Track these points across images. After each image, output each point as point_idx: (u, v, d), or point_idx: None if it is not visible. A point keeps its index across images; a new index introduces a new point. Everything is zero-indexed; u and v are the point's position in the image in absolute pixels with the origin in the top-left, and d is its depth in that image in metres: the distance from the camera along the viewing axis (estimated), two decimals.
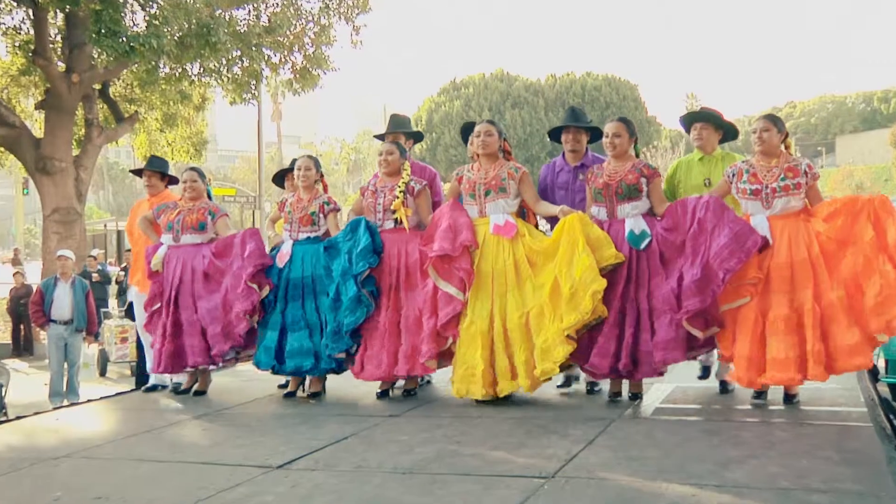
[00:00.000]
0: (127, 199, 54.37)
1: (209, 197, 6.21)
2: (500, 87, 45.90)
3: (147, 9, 13.34)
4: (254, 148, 30.79)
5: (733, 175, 4.83)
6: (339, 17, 15.84)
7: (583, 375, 5.39)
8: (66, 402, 8.62)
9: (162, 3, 13.00)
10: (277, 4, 15.28)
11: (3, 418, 5.60)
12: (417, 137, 6.48)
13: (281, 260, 5.66)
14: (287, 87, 16.75)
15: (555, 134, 5.68)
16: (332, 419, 4.95)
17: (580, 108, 5.76)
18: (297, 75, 16.06)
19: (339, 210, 5.78)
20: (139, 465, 4.11)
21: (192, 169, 6.20)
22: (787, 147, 4.86)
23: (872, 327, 4.38)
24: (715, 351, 5.15)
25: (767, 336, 4.54)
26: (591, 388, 5.37)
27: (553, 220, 5.27)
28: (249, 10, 15.14)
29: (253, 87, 16.20)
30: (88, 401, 6.52)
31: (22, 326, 14.80)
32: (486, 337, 5.00)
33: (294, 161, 6.36)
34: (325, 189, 5.92)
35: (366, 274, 5.25)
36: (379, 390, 5.47)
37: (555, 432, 4.32)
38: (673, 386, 5.37)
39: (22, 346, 14.81)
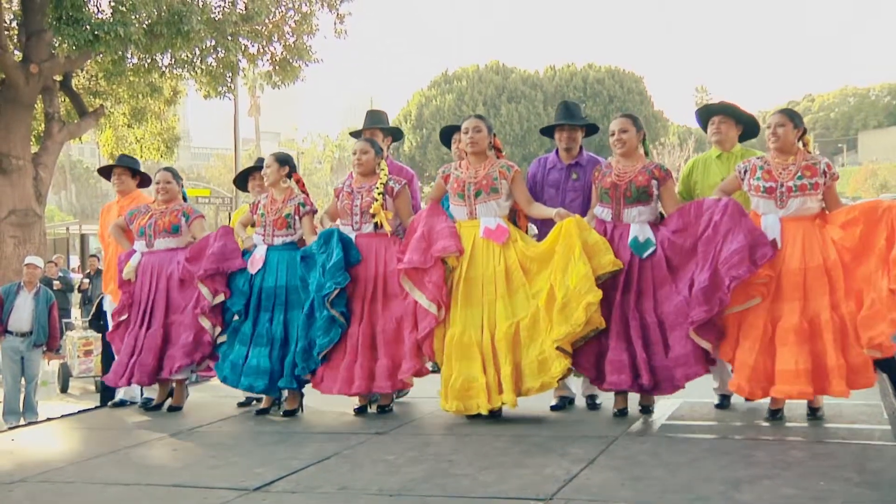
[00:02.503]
0: (91, 200, 54.21)
1: (184, 199, 6.22)
2: (496, 80, 46.00)
3: None
4: (230, 145, 30.83)
5: (745, 171, 4.86)
6: (322, 5, 15.88)
7: (580, 388, 5.42)
8: (22, 421, 8.59)
9: None
10: None
11: None
12: (396, 134, 6.47)
13: (253, 266, 5.63)
14: (266, 79, 16.78)
15: (548, 130, 5.70)
16: (312, 437, 4.95)
17: (574, 103, 5.79)
18: (277, 67, 16.08)
19: (315, 212, 5.76)
20: (104, 489, 4.10)
21: (167, 169, 6.22)
22: (805, 144, 4.88)
23: (861, 341, 4.44)
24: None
25: (777, 346, 4.58)
26: (592, 403, 5.37)
27: (544, 224, 5.28)
28: None
29: (229, 80, 16.20)
30: (48, 419, 6.50)
31: None
32: (482, 346, 5.00)
33: (259, 160, 6.39)
34: (302, 186, 5.88)
35: (335, 294, 5.22)
36: (357, 406, 5.48)
37: (553, 451, 4.33)
38: (681, 401, 5.39)
39: None
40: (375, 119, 6.24)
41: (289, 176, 5.79)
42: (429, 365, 5.35)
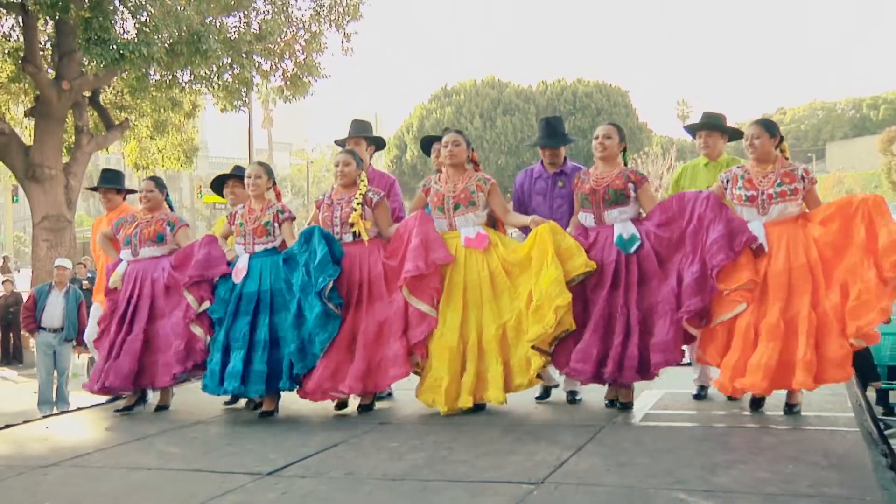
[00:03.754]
0: None
1: (170, 207, 5.96)
2: (492, 94, 45.97)
3: (137, 16, 13.34)
4: (244, 155, 30.80)
5: (727, 181, 4.77)
6: (330, 25, 15.86)
7: (562, 384, 5.35)
8: (55, 411, 8.60)
9: (152, 11, 12.98)
10: (268, 12, 15.29)
11: None
12: (379, 143, 6.23)
13: (238, 275, 5.32)
14: (278, 94, 16.75)
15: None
16: (321, 426, 4.96)
17: (557, 118, 5.73)
18: (288, 82, 16.07)
19: (294, 218, 5.49)
20: (129, 473, 4.11)
21: (150, 179, 5.91)
22: (783, 151, 4.77)
23: (847, 330, 4.32)
24: (711, 370, 5.05)
25: (759, 343, 4.46)
26: (572, 398, 5.26)
27: (525, 231, 5.18)
28: (240, 18, 15.16)
29: (244, 95, 16.22)
30: (78, 409, 6.50)
31: (11, 335, 14.74)
32: (455, 351, 4.89)
33: (235, 168, 6.14)
34: (279, 197, 5.64)
35: (329, 287, 4.96)
36: (361, 403, 5.26)
37: (544, 439, 4.34)
38: (663, 392, 5.39)
39: (11, 355, 14.75)
40: (360, 128, 6.04)
41: (270, 187, 5.52)
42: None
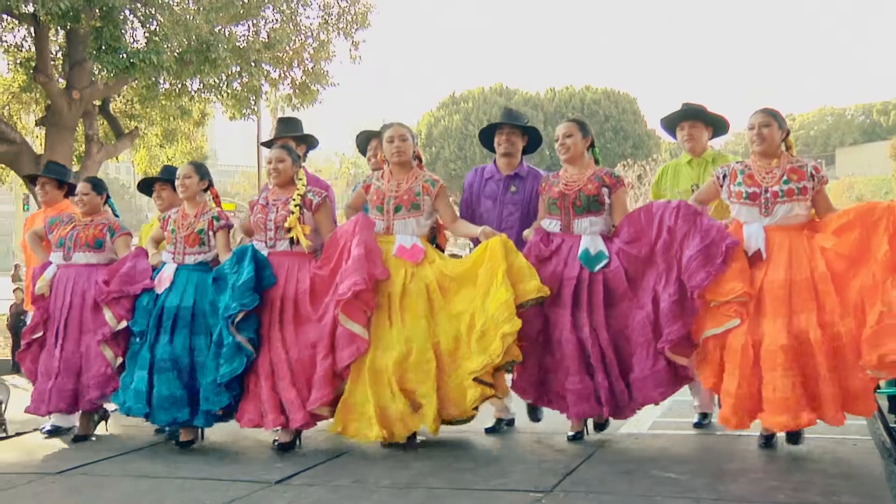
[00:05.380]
0: (127, 215, 54.29)
1: (114, 212, 5.38)
2: (500, 102, 45.94)
3: (147, 25, 13.42)
4: (253, 163, 30.91)
5: (724, 176, 4.14)
6: (338, 33, 15.94)
7: (516, 420, 4.82)
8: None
9: (162, 20, 13.07)
10: (277, 20, 15.37)
11: (3, 434, 5.52)
12: (311, 143, 5.56)
13: (161, 285, 4.79)
14: (286, 102, 16.82)
15: (488, 138, 5.00)
16: (327, 436, 4.94)
17: (517, 111, 5.12)
18: (297, 90, 16.15)
19: (230, 227, 4.92)
20: (137, 481, 4.12)
21: (87, 180, 5.33)
22: (788, 147, 4.13)
23: (864, 360, 3.68)
24: (715, 396, 4.41)
25: (764, 371, 3.81)
26: (535, 417, 4.71)
27: (475, 242, 4.63)
28: (249, 27, 15.24)
29: (252, 103, 16.27)
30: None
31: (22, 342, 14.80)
32: (385, 374, 4.30)
33: (165, 168, 5.69)
34: (217, 200, 5.01)
35: (240, 316, 4.41)
36: (279, 441, 4.58)
37: (552, 447, 4.33)
38: (671, 400, 5.35)
39: None
40: (288, 128, 5.42)
41: (206, 189, 4.98)
42: None
